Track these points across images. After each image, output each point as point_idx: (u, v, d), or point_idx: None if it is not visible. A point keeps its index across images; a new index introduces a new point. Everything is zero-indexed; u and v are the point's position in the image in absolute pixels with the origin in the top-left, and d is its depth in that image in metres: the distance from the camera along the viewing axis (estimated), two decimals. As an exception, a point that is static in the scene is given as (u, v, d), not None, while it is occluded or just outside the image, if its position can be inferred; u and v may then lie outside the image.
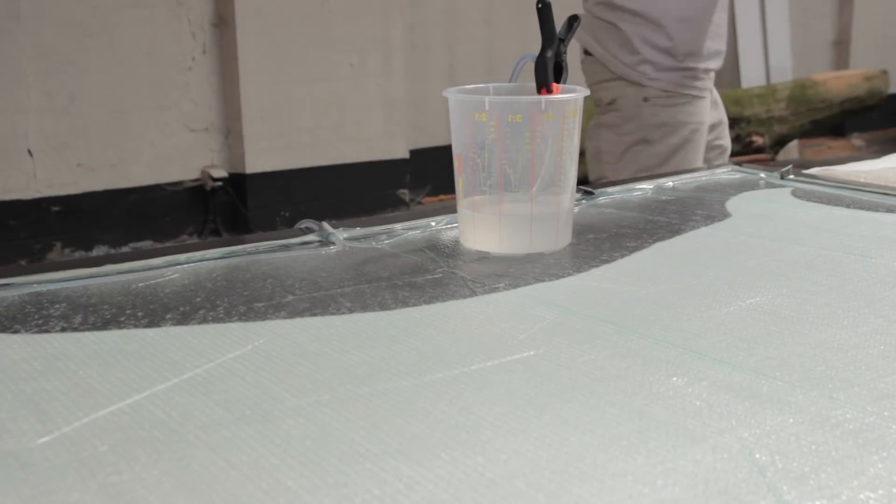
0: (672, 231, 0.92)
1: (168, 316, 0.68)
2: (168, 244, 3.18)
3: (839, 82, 4.28)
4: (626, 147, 1.74)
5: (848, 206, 1.01)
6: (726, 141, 1.89)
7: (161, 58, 3.12)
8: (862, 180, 1.10)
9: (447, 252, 0.85)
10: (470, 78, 3.82)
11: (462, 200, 0.86)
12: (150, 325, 0.66)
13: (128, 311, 0.69)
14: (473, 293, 0.73)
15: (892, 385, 0.55)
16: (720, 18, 1.73)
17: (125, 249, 3.13)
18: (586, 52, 1.79)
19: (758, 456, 0.47)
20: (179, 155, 3.21)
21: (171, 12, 3.12)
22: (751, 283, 0.75)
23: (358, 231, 0.89)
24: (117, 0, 3.01)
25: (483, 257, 0.83)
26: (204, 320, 0.67)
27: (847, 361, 0.59)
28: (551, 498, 0.43)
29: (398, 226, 0.92)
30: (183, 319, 0.67)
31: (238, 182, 3.28)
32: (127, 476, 0.45)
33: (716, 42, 1.72)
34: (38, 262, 2.91)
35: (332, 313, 0.68)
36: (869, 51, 5.19)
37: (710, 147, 1.84)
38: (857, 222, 0.94)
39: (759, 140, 3.99)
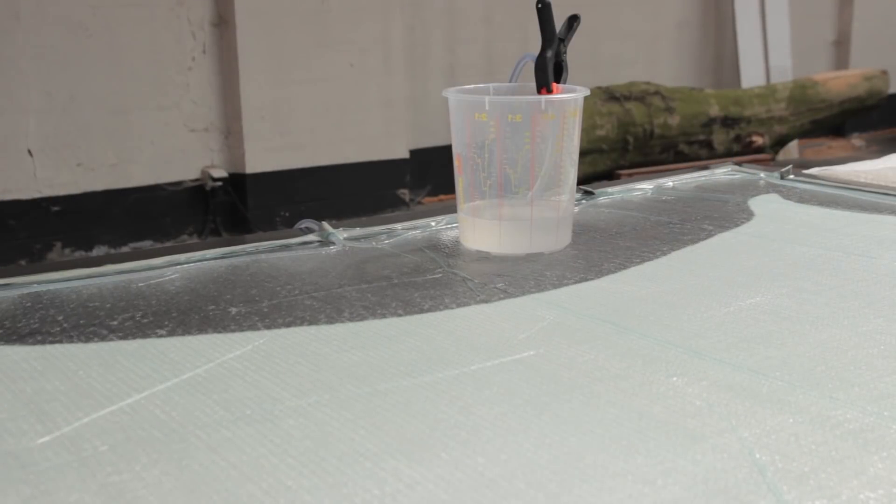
0: (673, 231, 0.92)
1: (168, 316, 0.68)
2: (168, 244, 3.18)
3: (839, 82, 4.28)
4: None
5: (848, 207, 1.01)
6: None
7: (161, 58, 3.12)
8: (862, 180, 1.10)
9: (447, 252, 0.85)
10: (470, 78, 3.81)
11: (462, 205, 0.86)
12: (150, 325, 0.66)
13: (128, 311, 0.69)
14: (473, 293, 0.73)
15: (892, 385, 0.55)
16: None
17: (125, 249, 3.13)
18: None
19: (758, 456, 0.47)
20: (179, 155, 3.20)
21: (171, 12, 3.12)
22: (751, 283, 0.74)
23: (358, 231, 0.89)
24: (117, 0, 3.01)
25: (483, 257, 0.83)
26: (204, 320, 0.67)
27: (847, 361, 0.59)
28: (551, 498, 0.43)
29: (398, 226, 0.92)
30: (183, 319, 0.67)
31: (238, 182, 3.28)
32: (127, 476, 0.45)
33: None
34: (38, 262, 2.91)
35: (331, 313, 0.68)
36: (869, 51, 5.19)
37: None
38: (857, 222, 0.94)
39: (759, 140, 3.98)
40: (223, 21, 3.21)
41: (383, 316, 0.68)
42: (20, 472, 0.45)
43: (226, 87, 3.26)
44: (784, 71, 4.70)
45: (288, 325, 0.66)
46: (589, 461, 0.46)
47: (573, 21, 0.88)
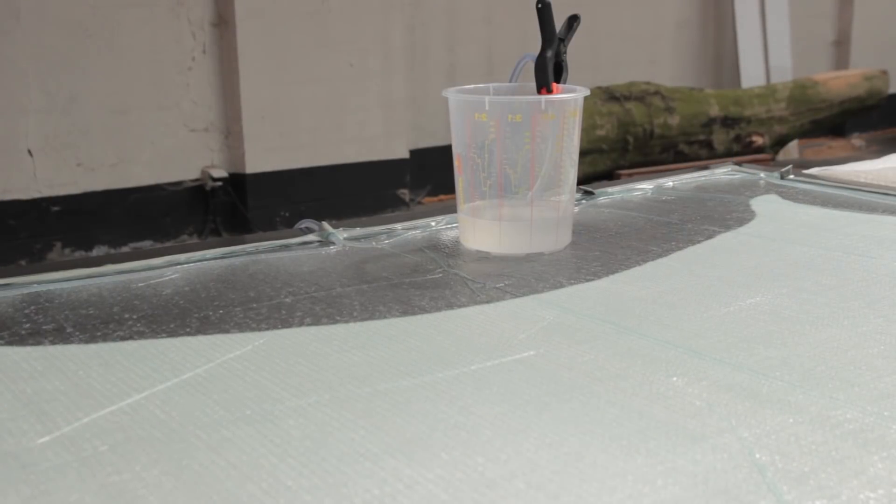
0: (673, 231, 0.92)
1: (168, 316, 0.68)
2: (168, 244, 3.18)
3: (839, 82, 4.28)
4: None
5: (848, 207, 1.01)
6: None
7: (161, 58, 3.12)
8: (862, 180, 1.10)
9: (447, 252, 0.85)
10: (470, 78, 3.81)
11: (462, 205, 0.86)
12: (150, 325, 0.66)
13: (128, 312, 0.69)
14: (473, 293, 0.73)
15: (892, 385, 0.55)
16: None
17: (125, 249, 3.13)
18: None
19: (758, 456, 0.47)
20: (179, 155, 3.20)
21: (171, 12, 3.12)
22: (751, 283, 0.74)
23: (358, 231, 0.89)
24: (117, 0, 3.01)
25: (483, 257, 0.83)
26: (204, 320, 0.67)
27: (847, 361, 0.59)
28: (551, 498, 0.43)
29: (398, 226, 0.92)
30: (183, 319, 0.67)
31: (238, 182, 3.27)
32: (127, 476, 0.45)
33: None
34: (38, 262, 2.91)
35: (331, 313, 0.68)
36: (869, 51, 5.19)
37: None
38: (857, 222, 0.94)
39: (759, 140, 3.98)
40: (223, 21, 3.21)
41: (383, 316, 0.68)
42: (20, 472, 0.45)
43: (226, 87, 3.26)
44: (784, 71, 4.70)
45: (288, 325, 0.66)
46: (589, 461, 0.46)
47: (573, 21, 0.88)
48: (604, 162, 3.65)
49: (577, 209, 1.00)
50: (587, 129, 3.49)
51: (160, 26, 3.11)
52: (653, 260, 0.82)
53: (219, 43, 3.23)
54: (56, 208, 3.01)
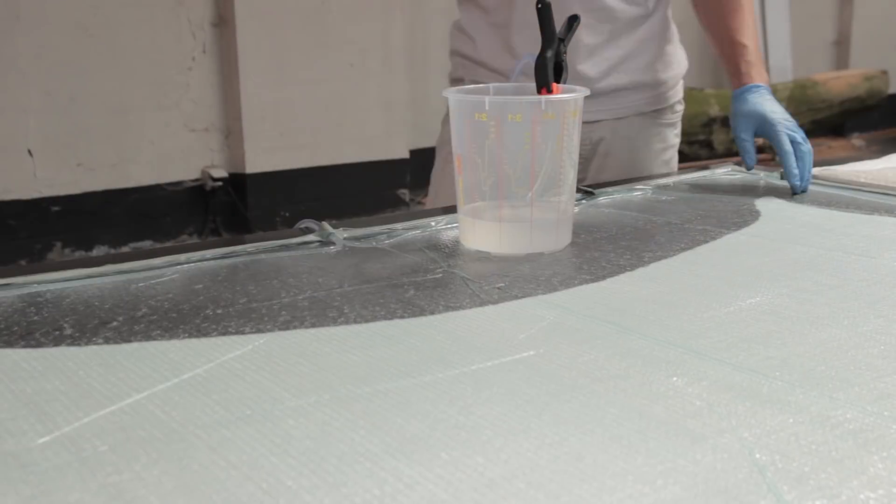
0: (674, 231, 0.92)
1: (168, 316, 0.68)
2: (168, 244, 3.18)
3: (839, 82, 4.28)
4: None
5: (848, 207, 1.01)
6: None
7: (161, 58, 3.12)
8: (862, 180, 1.10)
9: (447, 252, 0.85)
10: (470, 78, 3.81)
11: (462, 205, 0.86)
12: (150, 325, 0.66)
13: (128, 312, 0.69)
14: (473, 293, 0.73)
15: (892, 385, 0.55)
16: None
17: (125, 249, 3.13)
18: None
19: (758, 456, 0.47)
20: (179, 155, 3.20)
21: (171, 12, 3.12)
22: (751, 283, 0.74)
23: (358, 231, 0.89)
24: (117, 0, 3.01)
25: (483, 257, 0.83)
26: (204, 320, 0.67)
27: (847, 361, 0.59)
28: (551, 498, 0.43)
29: (398, 226, 0.92)
30: (183, 320, 0.67)
31: (238, 182, 3.28)
32: (127, 476, 0.45)
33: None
34: (38, 262, 2.91)
35: (332, 313, 0.68)
36: (869, 51, 5.19)
37: None
38: (858, 223, 0.94)
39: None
40: (223, 21, 3.21)
41: (383, 316, 0.68)
42: (20, 472, 0.45)
43: (226, 87, 3.26)
44: (784, 71, 4.70)
45: (288, 325, 0.66)
46: (589, 461, 0.46)
47: (573, 21, 0.88)
48: (604, 162, 3.64)
49: (577, 209, 1.00)
50: (587, 129, 3.48)
51: (160, 26, 3.11)
52: (653, 260, 0.82)
53: (219, 43, 3.23)
54: (56, 208, 3.01)
